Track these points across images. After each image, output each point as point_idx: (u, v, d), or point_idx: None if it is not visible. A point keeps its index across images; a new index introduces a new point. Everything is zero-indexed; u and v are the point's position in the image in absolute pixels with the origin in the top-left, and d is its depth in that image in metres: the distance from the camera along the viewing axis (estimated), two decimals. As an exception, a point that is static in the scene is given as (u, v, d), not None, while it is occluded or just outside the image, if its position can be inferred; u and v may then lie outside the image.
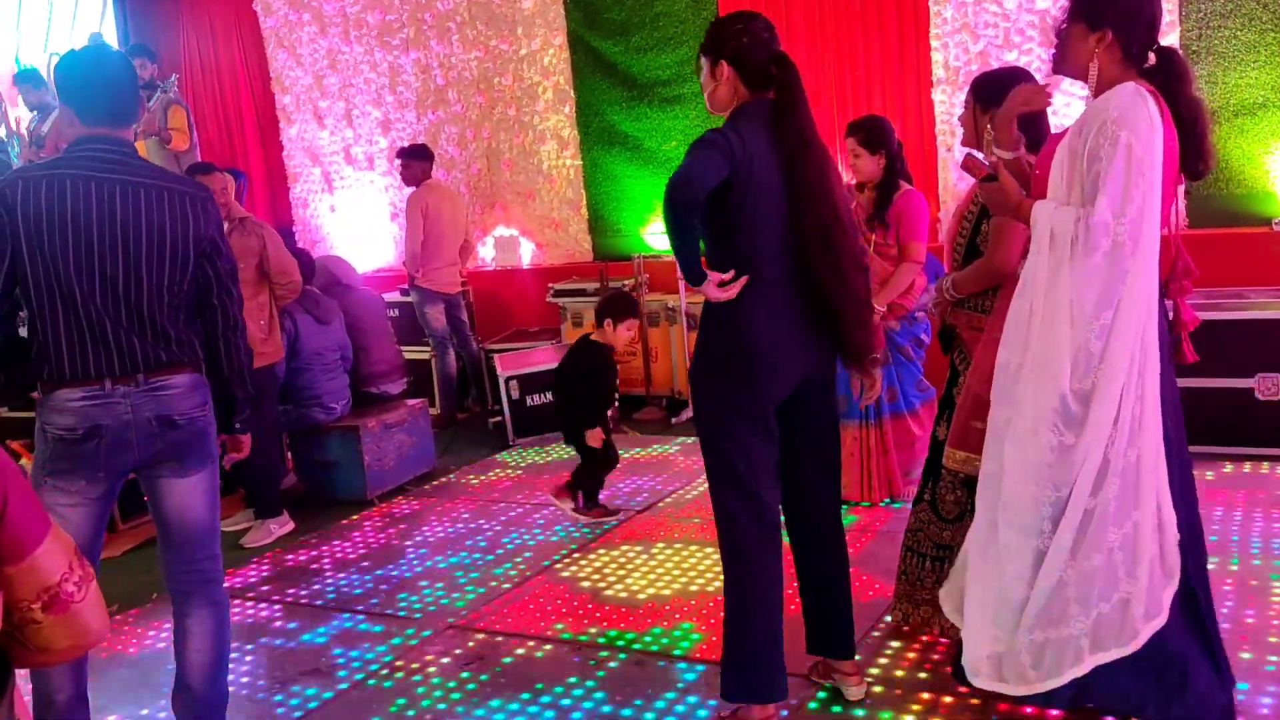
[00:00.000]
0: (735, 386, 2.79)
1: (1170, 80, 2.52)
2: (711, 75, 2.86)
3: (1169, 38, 5.35)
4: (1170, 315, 2.70)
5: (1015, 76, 3.23)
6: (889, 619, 3.53)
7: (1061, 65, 2.66)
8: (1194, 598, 2.61)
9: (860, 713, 3.00)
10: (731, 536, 2.87)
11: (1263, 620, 3.32)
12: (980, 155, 3.12)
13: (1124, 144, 2.37)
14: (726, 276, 2.72)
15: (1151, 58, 2.54)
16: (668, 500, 5.11)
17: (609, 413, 5.01)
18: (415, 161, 7.09)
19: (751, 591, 2.85)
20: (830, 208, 2.77)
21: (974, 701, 2.98)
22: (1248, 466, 4.80)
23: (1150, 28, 2.54)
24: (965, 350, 3.22)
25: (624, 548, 4.49)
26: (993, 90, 3.13)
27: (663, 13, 7.30)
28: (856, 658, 3.11)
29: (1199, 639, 2.61)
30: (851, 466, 4.69)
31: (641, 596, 3.97)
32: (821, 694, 3.10)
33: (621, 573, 4.19)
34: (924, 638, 3.37)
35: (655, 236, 7.44)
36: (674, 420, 6.74)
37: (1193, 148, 2.54)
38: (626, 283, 7.08)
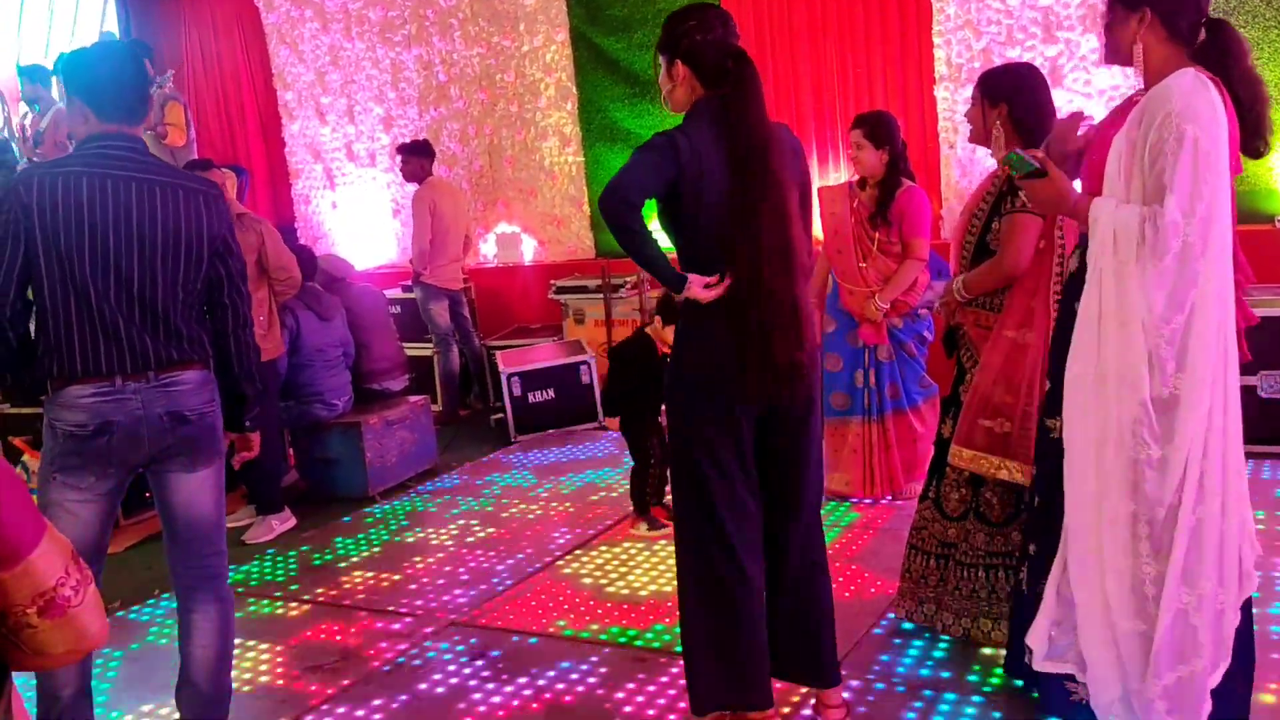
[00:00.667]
0: (707, 392, 2.67)
1: (1224, 56, 2.41)
2: (668, 75, 2.73)
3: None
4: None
5: (1022, 73, 3.22)
6: (891, 616, 3.53)
7: (1110, 54, 2.57)
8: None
9: (862, 710, 3.00)
10: (689, 560, 2.79)
11: (1264, 626, 3.32)
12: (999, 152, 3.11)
13: (1190, 139, 2.26)
14: (711, 280, 2.62)
15: (1202, 34, 2.43)
16: (669, 497, 5.10)
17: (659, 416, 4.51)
18: (416, 158, 7.09)
19: (719, 600, 2.72)
20: (782, 217, 2.60)
21: (976, 699, 2.98)
22: (1249, 465, 4.79)
23: (1192, 4, 2.43)
24: (972, 349, 3.20)
25: (626, 544, 4.49)
26: (1000, 87, 3.11)
27: (665, 9, 7.25)
28: (845, 694, 2.95)
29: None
30: (854, 463, 4.70)
31: (644, 593, 3.97)
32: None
33: (624, 569, 4.19)
34: (926, 634, 3.37)
35: (656, 234, 7.43)
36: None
37: (1251, 125, 2.43)
38: (629, 279, 7.09)
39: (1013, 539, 3.07)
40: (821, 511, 2.91)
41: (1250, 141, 2.46)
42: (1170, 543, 2.36)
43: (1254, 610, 2.95)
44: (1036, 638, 2.57)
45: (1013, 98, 3.06)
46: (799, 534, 2.80)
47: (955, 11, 6.40)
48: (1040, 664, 2.58)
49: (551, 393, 6.55)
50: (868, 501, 4.72)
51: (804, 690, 3.05)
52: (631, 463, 4.69)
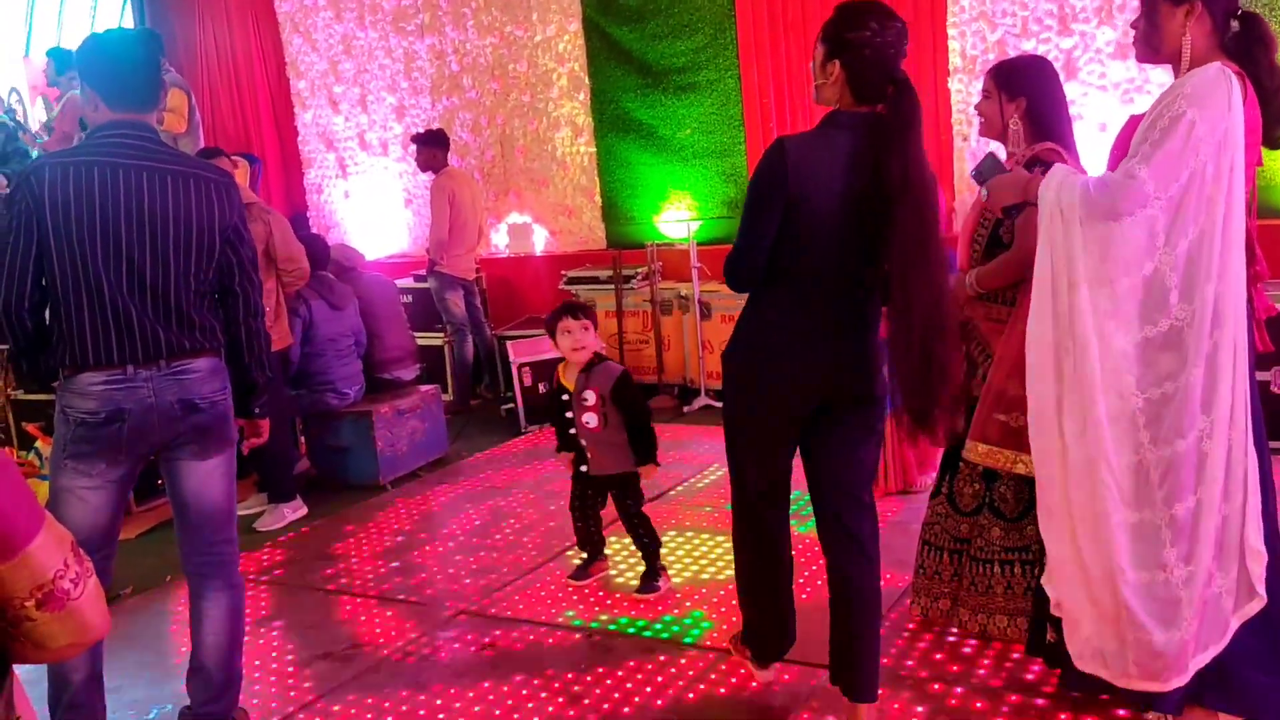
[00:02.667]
0: (753, 390, 2.79)
1: (1254, 45, 2.42)
2: (822, 69, 2.63)
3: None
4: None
5: (1037, 65, 3.19)
6: (901, 609, 3.52)
7: (1151, 51, 2.51)
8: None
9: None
10: (738, 511, 3.01)
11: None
12: (1002, 149, 3.09)
13: (1187, 120, 2.27)
14: None
15: (1234, 25, 2.44)
16: (679, 489, 5.11)
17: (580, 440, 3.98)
18: (430, 147, 7.09)
19: (750, 562, 3.01)
20: (938, 255, 2.57)
21: (985, 693, 2.98)
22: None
23: None
24: (984, 343, 3.18)
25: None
26: (1019, 80, 3.07)
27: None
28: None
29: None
30: (864, 456, 4.69)
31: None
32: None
33: (633, 560, 4.19)
34: (937, 629, 3.37)
35: (668, 225, 7.43)
36: (686, 409, 6.74)
37: (1275, 114, 2.44)
38: (640, 270, 7.08)
39: (1027, 533, 3.05)
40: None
41: (1271, 130, 2.47)
42: (1136, 501, 2.39)
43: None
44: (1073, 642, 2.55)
45: (1032, 92, 3.03)
46: (848, 512, 2.85)
47: (970, 3, 6.36)
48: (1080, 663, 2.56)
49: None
50: (880, 494, 4.71)
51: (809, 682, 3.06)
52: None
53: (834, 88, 2.62)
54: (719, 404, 6.63)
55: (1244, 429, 2.41)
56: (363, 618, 3.90)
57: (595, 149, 7.81)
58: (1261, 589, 2.46)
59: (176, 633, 3.82)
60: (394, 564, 4.43)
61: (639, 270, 7.12)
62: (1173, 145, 2.28)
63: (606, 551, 4.16)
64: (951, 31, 6.43)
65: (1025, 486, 3.06)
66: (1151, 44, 2.50)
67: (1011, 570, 3.12)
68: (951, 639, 3.29)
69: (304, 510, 5.17)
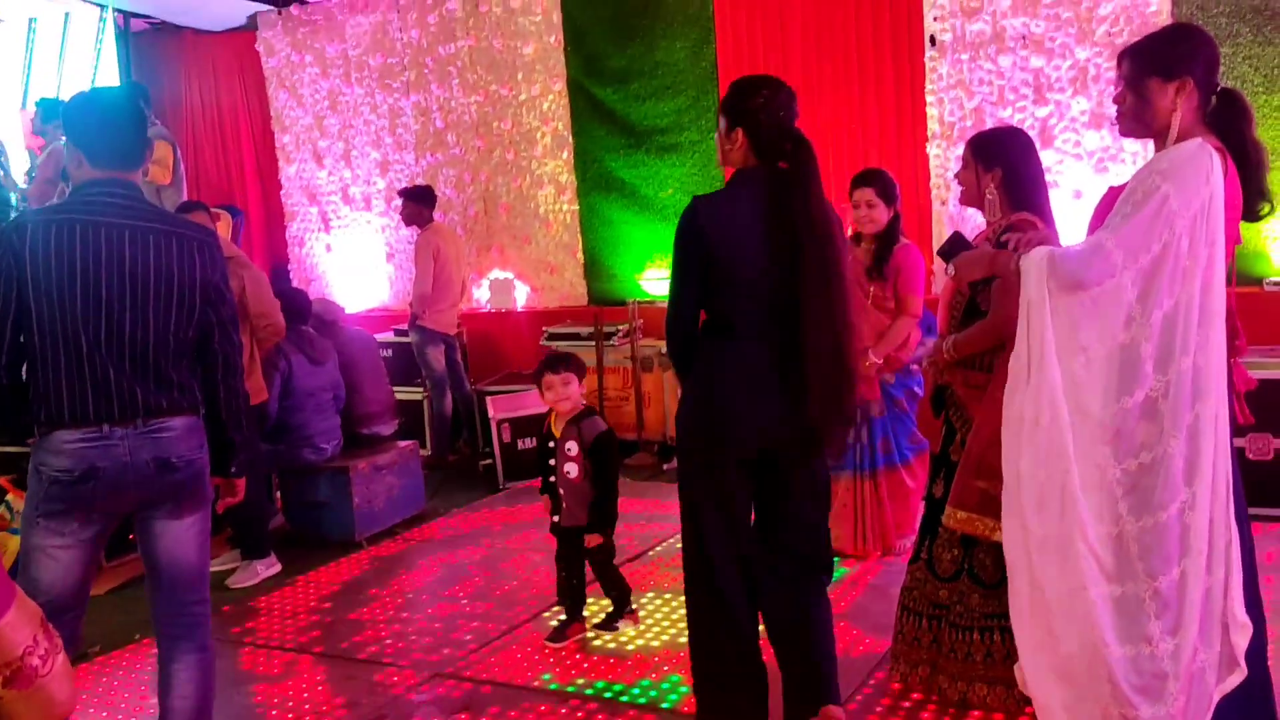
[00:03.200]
0: (702, 437, 2.91)
1: (1235, 119, 2.47)
2: (726, 136, 2.92)
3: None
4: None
5: (1014, 137, 3.26)
6: (883, 673, 3.49)
7: (1138, 126, 2.55)
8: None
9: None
10: (691, 570, 3.06)
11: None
12: (980, 216, 3.15)
13: (1161, 194, 2.31)
14: None
15: (1212, 100, 2.48)
16: (658, 549, 5.08)
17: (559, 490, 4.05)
18: (417, 203, 7.12)
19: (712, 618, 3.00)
20: (840, 289, 2.83)
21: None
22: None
23: (1214, 70, 2.49)
24: (961, 408, 3.19)
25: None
26: (994, 152, 3.14)
27: (662, 62, 7.38)
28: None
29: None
30: (845, 518, 4.68)
31: (630, 647, 3.93)
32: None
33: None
34: (916, 696, 3.34)
35: (650, 282, 7.47)
36: (665, 466, 6.72)
37: (1254, 188, 2.48)
38: (621, 327, 7.10)
39: (1006, 600, 3.04)
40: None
41: (1252, 205, 2.50)
42: (1118, 574, 2.40)
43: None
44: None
45: (1007, 163, 3.10)
46: (803, 559, 3.02)
47: (948, 72, 6.48)
48: None
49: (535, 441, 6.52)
50: (858, 558, 4.69)
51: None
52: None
53: (739, 151, 2.91)
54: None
55: (1225, 501, 2.42)
56: (336, 679, 3.84)
57: (578, 207, 7.87)
58: (1243, 661, 2.45)
59: (145, 694, 3.74)
60: (368, 623, 4.36)
61: (620, 327, 7.14)
62: (1142, 217, 2.32)
63: (585, 613, 4.12)
64: (930, 99, 6.55)
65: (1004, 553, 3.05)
66: (1142, 120, 2.52)
67: (991, 637, 3.11)
68: (932, 706, 3.27)
69: (278, 567, 5.10)
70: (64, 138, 2.79)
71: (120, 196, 2.69)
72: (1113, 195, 2.57)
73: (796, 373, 2.80)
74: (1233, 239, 2.46)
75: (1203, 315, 2.36)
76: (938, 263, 6.45)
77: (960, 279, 2.75)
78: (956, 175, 3.29)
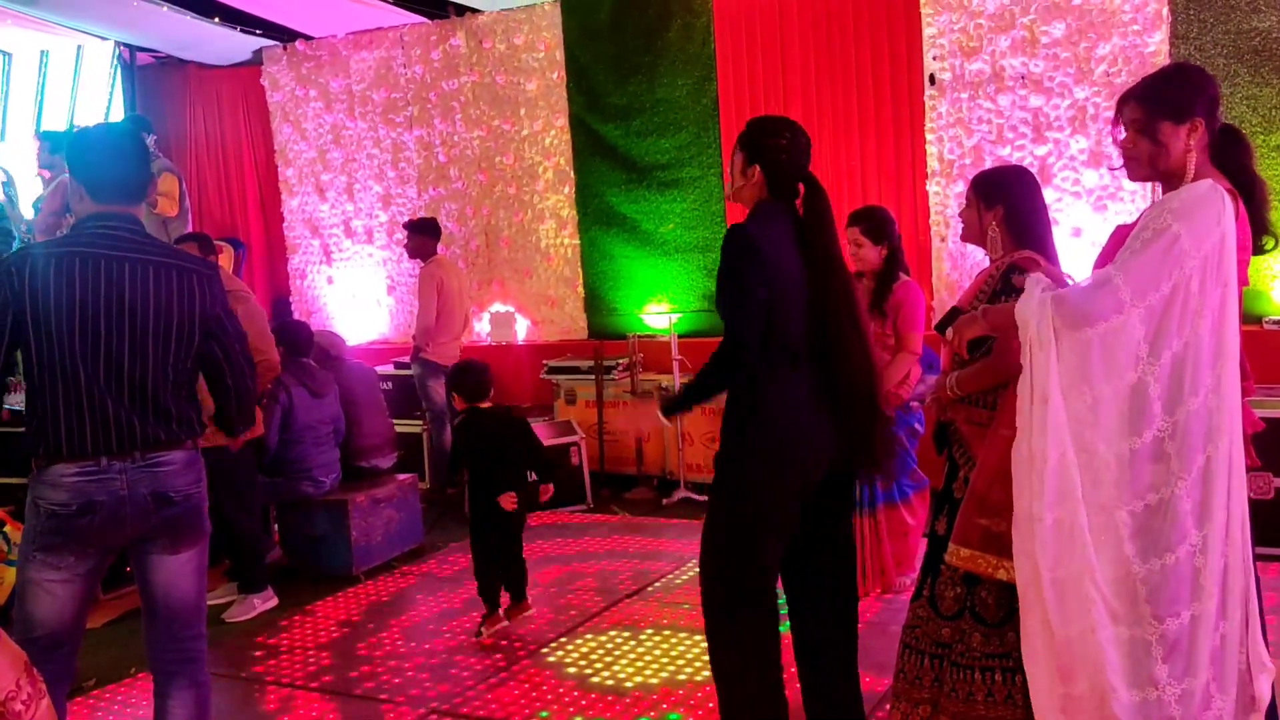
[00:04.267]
0: (766, 476, 2.92)
1: (1238, 155, 2.49)
2: (743, 173, 3.00)
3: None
4: None
5: (1016, 176, 3.27)
6: (884, 712, 3.47)
7: (1151, 170, 2.53)
8: None
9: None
10: (729, 617, 3.05)
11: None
12: (985, 254, 3.17)
13: (1171, 233, 2.29)
14: None
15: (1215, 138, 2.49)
16: (657, 584, 5.05)
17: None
18: (423, 236, 7.15)
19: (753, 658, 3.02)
20: (859, 316, 2.97)
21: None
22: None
23: (1217, 106, 2.50)
24: (965, 445, 3.18)
25: (611, 633, 4.43)
26: (996, 190, 3.16)
27: (663, 99, 7.43)
28: None
29: None
30: (844, 556, 4.66)
31: (629, 685, 3.90)
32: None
33: (609, 659, 4.13)
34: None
35: (651, 316, 7.49)
36: (665, 501, 6.70)
37: (1258, 222, 2.49)
38: (620, 361, 7.10)
39: (1008, 639, 3.02)
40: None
41: (1257, 238, 2.52)
42: (1126, 618, 2.37)
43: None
44: None
45: (1008, 201, 3.12)
46: (843, 585, 3.24)
47: (948, 110, 6.54)
48: None
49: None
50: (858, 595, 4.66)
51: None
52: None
53: (753, 188, 3.00)
54: (699, 497, 6.62)
55: (1241, 545, 2.39)
56: (332, 715, 3.80)
57: (579, 241, 7.90)
58: (1264, 702, 2.41)
59: (138, 728, 3.71)
60: (366, 659, 4.34)
61: (620, 361, 7.15)
62: (1151, 255, 2.29)
63: (590, 643, 4.09)
64: (929, 137, 6.60)
65: (1006, 592, 3.03)
66: (1156, 164, 2.50)
67: (992, 677, 3.08)
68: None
69: (274, 601, 5.08)
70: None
71: (123, 230, 2.70)
72: (1121, 234, 2.56)
73: (841, 402, 2.92)
74: (1242, 280, 2.45)
75: (1216, 356, 2.34)
76: (938, 299, 6.48)
77: (959, 344, 2.77)
78: (960, 213, 3.30)
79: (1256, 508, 4.99)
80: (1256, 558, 4.80)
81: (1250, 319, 5.84)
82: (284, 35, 8.64)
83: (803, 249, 2.91)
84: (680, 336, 6.94)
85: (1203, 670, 2.34)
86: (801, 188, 2.96)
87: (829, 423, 2.94)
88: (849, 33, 6.84)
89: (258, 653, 4.48)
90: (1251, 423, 2.62)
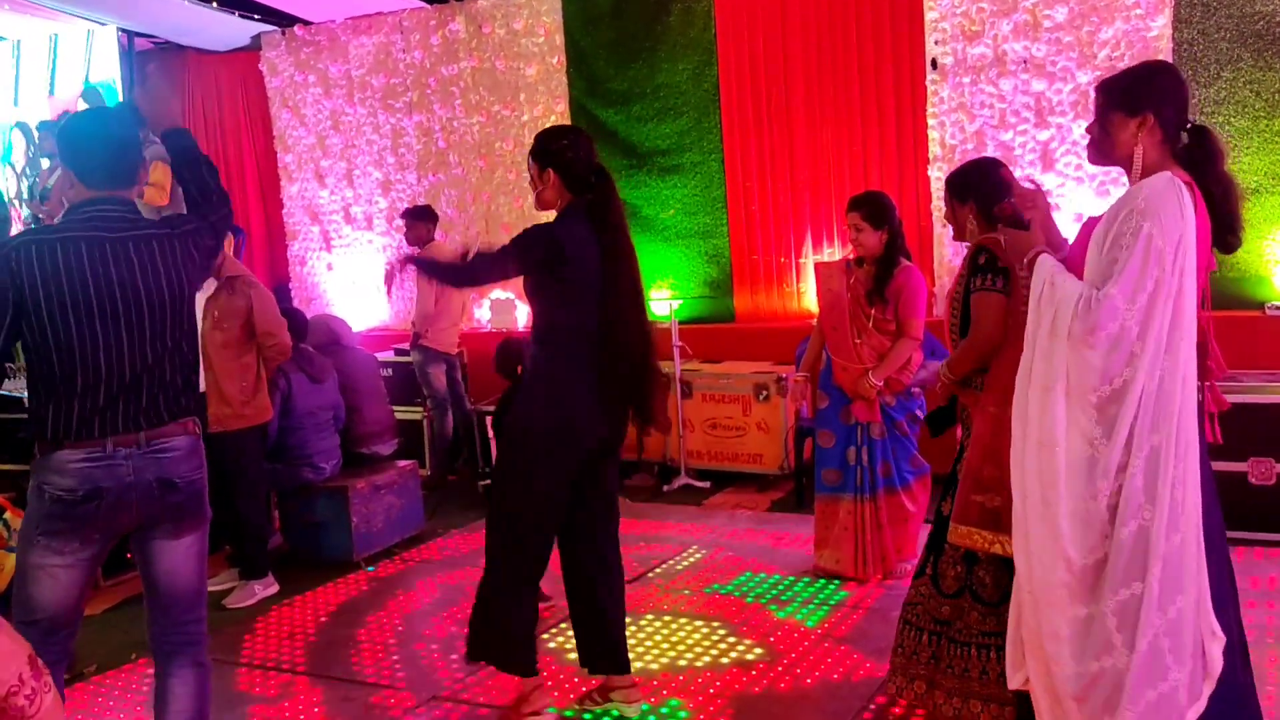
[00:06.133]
0: (553, 451, 3.29)
1: (1205, 156, 2.57)
2: (540, 179, 3.39)
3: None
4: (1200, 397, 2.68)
5: (981, 167, 3.38)
6: (881, 700, 3.47)
7: (1102, 156, 2.69)
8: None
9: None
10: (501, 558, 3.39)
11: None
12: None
13: (1145, 234, 2.41)
14: None
15: (1184, 137, 2.58)
16: (658, 570, 5.05)
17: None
18: (421, 222, 7.14)
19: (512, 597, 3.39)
20: (637, 284, 3.38)
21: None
22: (1241, 552, 4.77)
23: (1182, 108, 2.60)
24: (968, 427, 3.25)
25: (613, 618, 4.43)
26: (964, 186, 3.29)
27: (663, 84, 7.40)
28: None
29: None
30: (845, 541, 4.66)
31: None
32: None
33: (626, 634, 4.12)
34: (919, 712, 3.32)
35: (651, 302, 7.47)
36: (665, 488, 6.70)
37: (1224, 222, 2.58)
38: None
39: (1004, 618, 3.06)
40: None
41: (1222, 237, 2.60)
42: (1093, 595, 2.48)
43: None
44: None
45: (978, 193, 3.25)
46: (606, 547, 3.55)
47: (949, 95, 6.51)
48: None
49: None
50: (858, 581, 4.67)
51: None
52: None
53: (553, 190, 3.39)
54: (700, 483, 6.63)
55: (1197, 523, 2.46)
56: (334, 701, 3.81)
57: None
58: (1217, 669, 2.49)
59: (142, 714, 3.72)
60: (366, 645, 4.34)
61: (620, 348, 7.12)
62: (1135, 261, 2.42)
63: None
64: (931, 122, 6.57)
65: (1004, 571, 3.07)
66: (1103, 150, 2.65)
67: (987, 655, 3.12)
68: (932, 731, 3.24)
69: (275, 587, 5.08)
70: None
71: (116, 214, 2.71)
72: (1090, 225, 2.66)
73: (621, 370, 3.29)
74: (1204, 268, 2.55)
75: (1172, 344, 2.45)
76: (939, 284, 6.47)
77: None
78: (944, 216, 3.40)
79: (1258, 494, 5.03)
80: (1258, 543, 4.83)
81: (1251, 305, 5.84)
82: (282, 20, 8.59)
83: (598, 231, 3.29)
84: (681, 323, 6.93)
85: (1142, 640, 2.42)
86: (593, 179, 3.35)
87: (607, 393, 3.30)
88: (850, 17, 6.81)
89: (258, 638, 4.49)
90: (1217, 402, 2.72)
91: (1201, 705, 2.47)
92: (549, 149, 3.37)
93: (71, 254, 2.60)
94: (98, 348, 2.61)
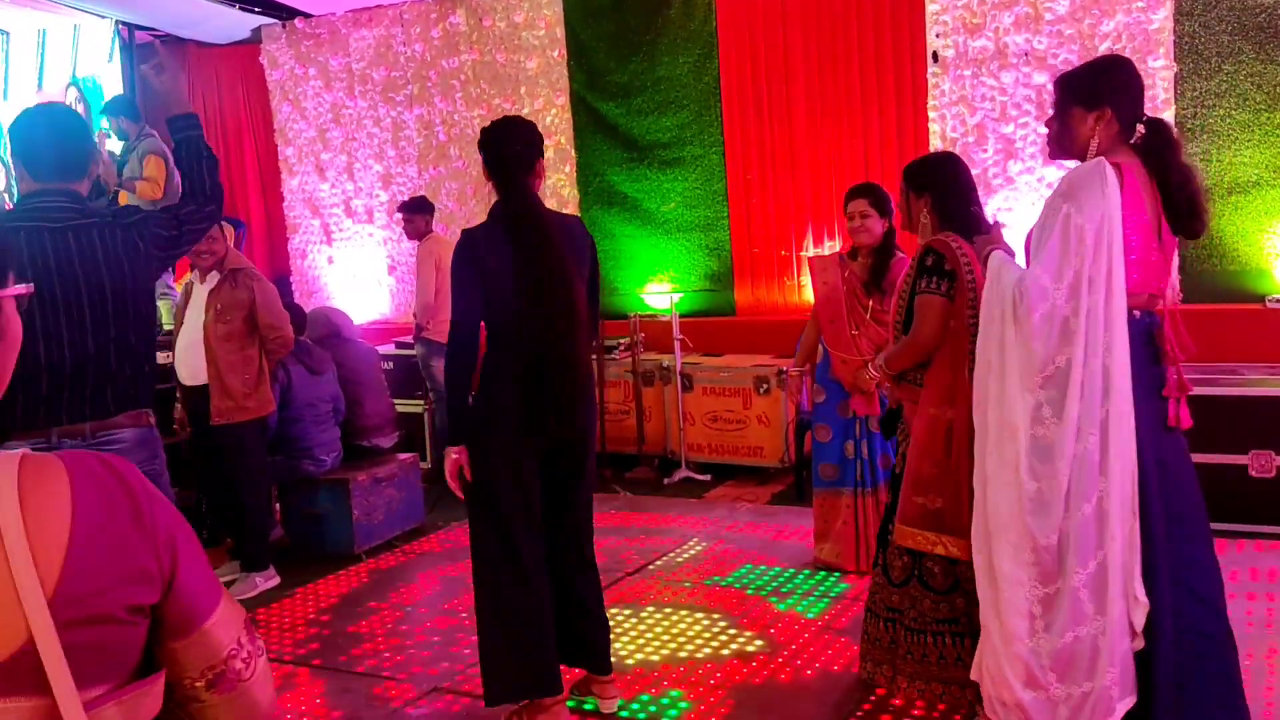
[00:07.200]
0: (493, 441, 3.25)
1: (1161, 148, 2.64)
2: (488, 180, 3.36)
3: (1163, 115, 5.43)
4: (1164, 382, 2.71)
5: (942, 162, 3.41)
6: (881, 690, 3.48)
7: (1061, 150, 2.76)
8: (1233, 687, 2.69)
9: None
10: (484, 571, 3.37)
11: (1256, 704, 3.28)
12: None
13: (1063, 215, 2.50)
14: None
15: (1140, 129, 2.65)
16: (658, 562, 5.06)
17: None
18: (419, 215, 7.12)
19: (507, 605, 3.30)
20: (552, 282, 3.20)
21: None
22: (1241, 544, 4.77)
23: (1137, 101, 2.68)
24: (906, 425, 3.30)
25: (612, 610, 4.42)
26: (923, 178, 3.31)
27: (664, 77, 7.40)
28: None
29: None
30: (845, 535, 4.67)
31: (630, 662, 3.91)
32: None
33: (610, 636, 4.13)
34: (918, 711, 3.34)
35: (652, 296, 7.48)
36: (666, 480, 6.71)
37: (1184, 208, 2.63)
38: (622, 341, 7.10)
39: (957, 605, 3.18)
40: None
41: (1183, 223, 2.66)
42: (1059, 571, 2.58)
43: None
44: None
45: (935, 186, 3.26)
46: (581, 538, 3.52)
47: (951, 88, 6.50)
48: None
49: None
50: (858, 573, 4.67)
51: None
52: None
53: (490, 185, 3.34)
54: (701, 476, 6.64)
55: (1131, 493, 2.57)
56: (334, 693, 3.82)
57: (580, 220, 7.86)
58: (1139, 631, 2.59)
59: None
60: (367, 637, 4.35)
61: (621, 340, 7.14)
62: (1055, 241, 2.51)
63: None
64: (932, 114, 6.57)
65: (951, 562, 3.13)
66: (1062, 144, 2.73)
67: (943, 640, 3.21)
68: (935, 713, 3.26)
69: (276, 580, 5.09)
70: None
71: (64, 202, 2.74)
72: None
73: (549, 373, 3.20)
74: (1148, 244, 2.61)
75: (1108, 321, 2.52)
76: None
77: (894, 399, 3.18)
78: (896, 204, 3.43)
79: (1258, 486, 5.03)
80: (1257, 535, 4.83)
81: (1252, 298, 5.83)
82: (283, 13, 8.59)
83: (510, 231, 3.22)
84: (682, 316, 6.93)
85: (1115, 606, 2.53)
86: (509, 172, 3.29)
87: (537, 393, 3.21)
88: (851, 10, 6.80)
89: (259, 630, 4.50)
90: (1180, 385, 2.75)
91: (1132, 700, 2.59)
92: (488, 149, 3.36)
93: (16, 244, 2.62)
94: (34, 337, 2.62)
